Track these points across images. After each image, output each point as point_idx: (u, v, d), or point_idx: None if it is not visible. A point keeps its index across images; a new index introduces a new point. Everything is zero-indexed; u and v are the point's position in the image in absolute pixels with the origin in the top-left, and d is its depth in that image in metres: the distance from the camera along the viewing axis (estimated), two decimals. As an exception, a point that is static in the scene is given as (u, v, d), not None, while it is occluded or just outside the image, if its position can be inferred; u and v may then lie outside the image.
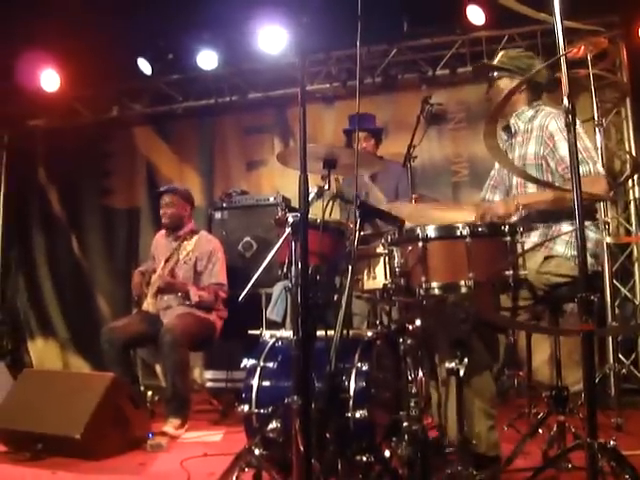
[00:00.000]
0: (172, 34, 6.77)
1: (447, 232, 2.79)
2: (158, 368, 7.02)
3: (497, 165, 3.70)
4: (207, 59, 6.85)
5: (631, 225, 6.05)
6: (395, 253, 2.92)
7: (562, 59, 2.33)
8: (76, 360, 7.70)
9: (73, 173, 7.93)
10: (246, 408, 3.40)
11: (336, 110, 7.13)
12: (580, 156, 2.78)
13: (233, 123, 7.69)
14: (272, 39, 6.46)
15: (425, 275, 2.74)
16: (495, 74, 3.56)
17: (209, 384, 6.27)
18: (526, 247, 2.89)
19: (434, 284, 2.74)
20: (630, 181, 6.00)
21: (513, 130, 3.52)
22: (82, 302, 7.82)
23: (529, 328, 3.87)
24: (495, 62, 3.58)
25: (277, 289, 5.60)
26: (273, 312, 5.55)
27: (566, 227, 3.19)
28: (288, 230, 3.25)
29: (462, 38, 6.56)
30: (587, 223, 3.22)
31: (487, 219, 3.20)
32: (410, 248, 2.83)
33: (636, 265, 6.05)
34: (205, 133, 7.76)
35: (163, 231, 5.67)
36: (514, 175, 3.48)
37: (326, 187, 3.38)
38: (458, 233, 2.73)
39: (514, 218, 3.20)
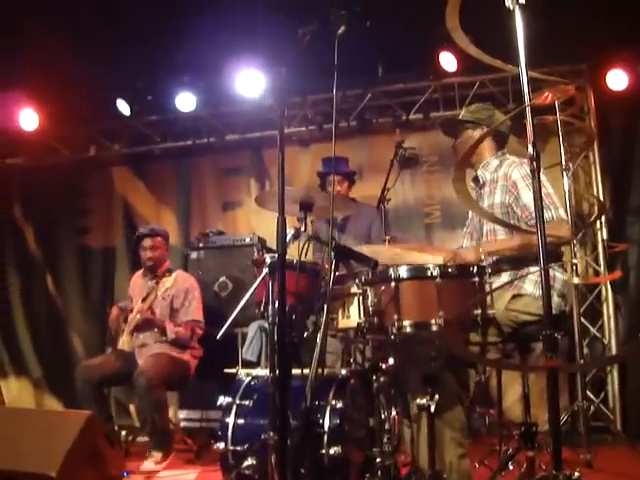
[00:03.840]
0: (151, 76, 6.87)
1: (418, 273, 2.88)
2: (132, 407, 7.01)
3: (470, 214, 3.85)
4: (185, 101, 6.94)
5: (599, 266, 6.21)
6: (369, 293, 3.01)
7: (528, 108, 2.45)
8: (50, 399, 7.62)
9: (50, 212, 7.93)
10: (222, 446, 3.45)
11: (312, 152, 7.25)
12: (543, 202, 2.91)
13: (210, 164, 7.78)
14: (249, 82, 6.57)
15: (397, 314, 2.82)
16: (459, 127, 3.81)
17: (183, 424, 6.22)
18: (494, 287, 3.00)
19: (406, 322, 2.83)
20: (598, 223, 6.16)
21: (481, 181, 3.70)
22: (56, 341, 7.77)
23: (496, 364, 3.97)
24: (459, 117, 3.85)
25: (252, 328, 5.64)
26: (248, 352, 5.58)
27: (534, 268, 3.30)
28: (266, 270, 3.34)
29: (435, 84, 6.75)
30: (554, 264, 3.35)
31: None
32: (383, 288, 2.92)
33: (604, 305, 6.19)
34: (182, 174, 7.83)
35: (140, 272, 5.72)
36: (484, 221, 3.61)
37: (302, 229, 3.46)
38: (429, 274, 2.83)
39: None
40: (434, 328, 2.76)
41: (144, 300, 5.28)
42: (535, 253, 2.38)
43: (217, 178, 7.74)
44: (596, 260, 6.26)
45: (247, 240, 6.35)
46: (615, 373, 5.95)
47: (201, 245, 6.50)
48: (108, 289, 7.77)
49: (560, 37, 5.14)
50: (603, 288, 6.21)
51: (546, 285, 2.31)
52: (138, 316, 5.20)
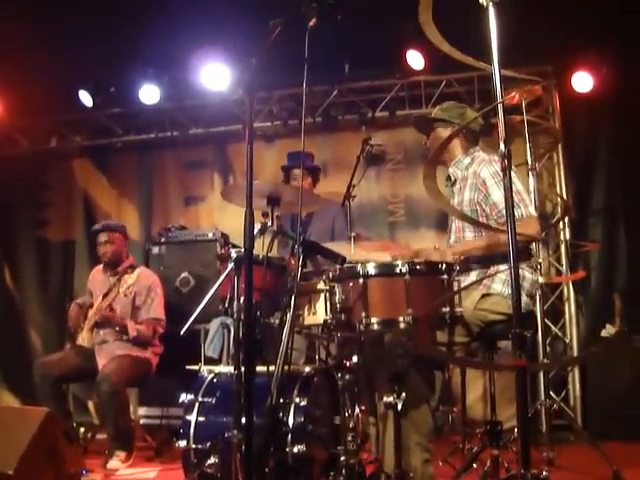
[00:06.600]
0: (115, 67, 6.76)
1: (387, 269, 2.86)
2: (90, 404, 6.90)
3: None
4: (149, 93, 6.85)
5: (562, 265, 6.27)
6: (336, 289, 2.98)
7: (499, 106, 2.43)
8: (6, 396, 7.43)
9: (8, 204, 7.73)
10: (184, 444, 3.39)
11: (276, 148, 7.19)
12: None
13: (173, 158, 7.68)
14: (215, 76, 6.50)
15: (365, 311, 2.80)
16: (431, 125, 3.76)
17: (143, 420, 6.12)
18: (463, 285, 2.98)
19: (374, 319, 2.80)
20: (561, 223, 6.21)
21: (453, 179, 3.70)
22: (13, 336, 7.56)
23: (465, 363, 3.96)
24: (432, 115, 3.80)
25: (214, 325, 5.56)
26: (210, 348, 5.52)
27: (503, 267, 3.30)
28: (231, 265, 3.28)
29: (401, 82, 6.74)
30: (523, 264, 3.34)
31: None
32: (351, 284, 2.89)
33: (566, 304, 6.25)
34: (144, 167, 7.72)
35: (100, 266, 5.61)
36: (453, 217, 3.61)
37: (269, 224, 3.41)
38: (397, 270, 2.80)
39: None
40: (402, 325, 2.74)
41: (105, 296, 5.18)
42: (502, 252, 2.36)
43: (180, 172, 7.66)
44: (558, 260, 6.31)
45: (210, 235, 6.26)
46: (576, 372, 6.00)
47: (163, 240, 6.39)
48: (67, 284, 7.62)
49: (526, 38, 5.14)
50: (565, 288, 6.27)
51: (516, 283, 2.30)
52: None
